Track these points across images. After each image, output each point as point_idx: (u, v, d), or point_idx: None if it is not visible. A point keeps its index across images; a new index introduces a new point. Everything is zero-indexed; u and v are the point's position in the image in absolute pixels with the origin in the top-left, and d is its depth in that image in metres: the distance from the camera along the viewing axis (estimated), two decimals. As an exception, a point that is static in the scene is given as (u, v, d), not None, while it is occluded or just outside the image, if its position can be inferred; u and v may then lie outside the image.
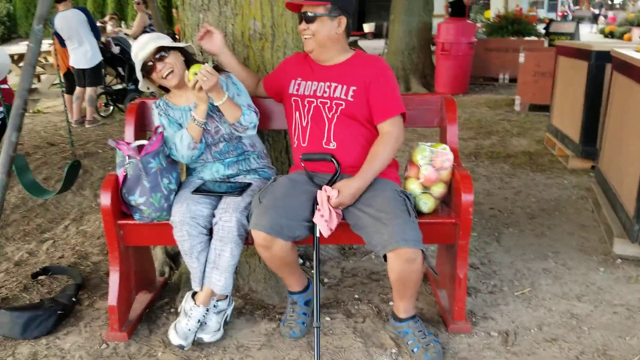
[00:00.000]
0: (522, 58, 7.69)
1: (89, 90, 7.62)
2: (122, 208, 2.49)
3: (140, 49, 2.43)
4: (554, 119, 5.72)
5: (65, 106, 3.40)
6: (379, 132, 2.40)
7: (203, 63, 2.34)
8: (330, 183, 2.34)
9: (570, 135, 5.10)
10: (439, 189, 2.47)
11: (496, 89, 9.86)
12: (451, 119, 2.65)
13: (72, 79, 7.77)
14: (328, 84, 2.45)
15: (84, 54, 7.36)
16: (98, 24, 9.65)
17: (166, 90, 2.61)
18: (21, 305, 2.83)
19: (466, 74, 9.50)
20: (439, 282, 2.84)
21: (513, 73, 9.79)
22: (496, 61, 10.37)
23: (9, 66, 4.69)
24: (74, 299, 2.84)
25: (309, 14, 2.37)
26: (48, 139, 6.85)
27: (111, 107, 8.50)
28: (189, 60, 2.55)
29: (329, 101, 2.43)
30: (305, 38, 2.44)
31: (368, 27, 24.29)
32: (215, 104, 2.38)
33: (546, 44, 10.31)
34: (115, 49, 8.32)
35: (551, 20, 13.84)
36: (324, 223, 2.25)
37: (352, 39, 15.03)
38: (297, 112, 2.52)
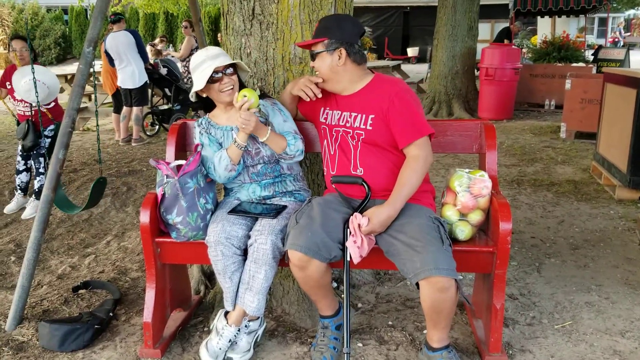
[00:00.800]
0: (568, 84, 7.55)
1: (135, 109, 7.86)
2: (161, 226, 2.54)
3: (212, 58, 2.46)
4: (600, 148, 5.57)
5: (96, 125, 3.49)
6: (406, 156, 2.38)
7: (263, 94, 2.47)
8: (361, 209, 2.33)
9: (618, 164, 4.95)
10: (476, 217, 2.43)
11: (541, 116, 9.68)
12: (490, 145, 2.61)
13: (120, 99, 8.04)
14: (349, 113, 2.48)
15: (130, 74, 7.62)
16: (148, 46, 10.00)
17: (207, 110, 2.67)
18: (60, 318, 2.90)
19: (510, 100, 9.38)
20: (475, 311, 2.78)
21: (559, 100, 9.60)
22: (542, 87, 10.20)
23: (58, 88, 4.88)
24: (111, 314, 2.90)
25: (312, 52, 2.45)
26: (95, 156, 7.06)
27: (157, 127, 8.73)
28: (241, 83, 2.62)
29: (350, 130, 2.46)
30: (317, 74, 2.49)
31: (412, 52, 24.31)
32: (260, 140, 2.45)
33: (594, 71, 10.08)
34: (163, 71, 8.57)
35: (600, 47, 13.55)
36: (356, 249, 2.24)
37: (394, 63, 15.11)
38: (326, 140, 2.57)
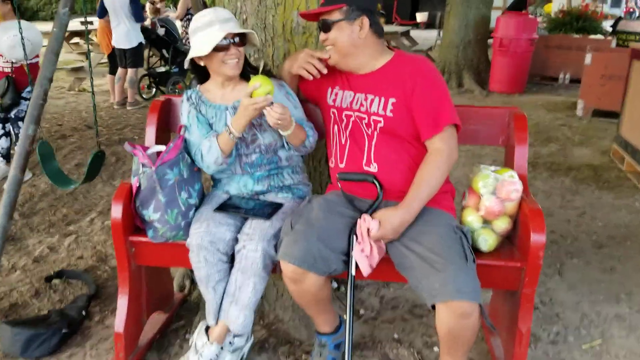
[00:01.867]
0: (588, 59, 7.10)
1: (129, 71, 7.45)
2: (136, 222, 2.20)
3: (223, 21, 2.07)
4: (623, 130, 5.18)
5: (92, 91, 3.16)
6: (428, 150, 2.03)
7: (268, 73, 2.10)
8: (371, 211, 1.99)
9: (644, 150, 4.58)
10: (502, 224, 2.09)
11: (555, 90, 9.24)
12: (520, 138, 2.25)
13: (116, 60, 7.62)
14: (364, 95, 2.10)
15: (125, 33, 7.19)
16: (148, 4, 9.49)
17: (200, 81, 2.29)
18: (26, 319, 2.58)
19: (524, 73, 8.92)
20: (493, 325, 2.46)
21: (575, 73, 9.15)
22: (557, 59, 9.71)
23: (41, 44, 4.48)
24: (84, 312, 2.59)
25: (325, 21, 2.04)
26: (87, 121, 6.69)
27: (154, 90, 8.35)
28: (245, 58, 2.23)
29: (366, 116, 2.08)
30: (327, 49, 2.09)
31: (421, 17, 23.56)
32: (284, 134, 2.09)
33: (614, 44, 9.58)
34: (161, 31, 8.11)
35: (619, 18, 12.96)
36: (365, 259, 1.91)
37: (404, 28, 14.53)
38: (335, 126, 2.19)
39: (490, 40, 9.43)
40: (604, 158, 5.34)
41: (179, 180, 2.12)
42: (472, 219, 2.10)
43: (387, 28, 13.38)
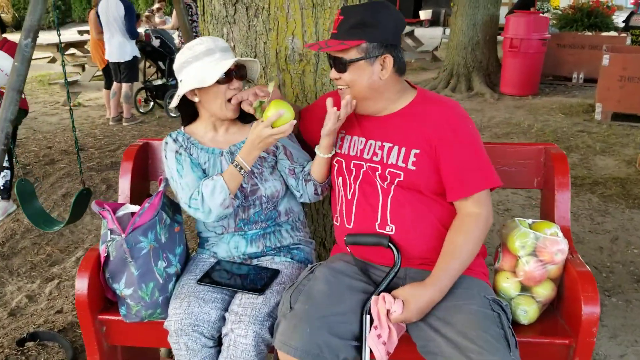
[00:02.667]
0: (605, 60, 6.71)
1: (124, 86, 7.13)
2: (107, 294, 1.86)
3: (224, 50, 1.80)
4: (650, 138, 4.82)
5: (69, 106, 2.88)
6: (458, 213, 1.69)
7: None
8: (387, 283, 1.64)
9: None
10: (545, 291, 1.74)
11: (569, 90, 8.84)
12: (561, 183, 1.89)
13: (111, 74, 7.30)
14: (380, 143, 1.75)
15: (117, 46, 6.87)
16: (146, 13, 9.15)
17: (184, 121, 1.96)
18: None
19: (536, 74, 8.53)
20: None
21: (588, 72, 8.77)
22: (570, 59, 9.30)
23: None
24: (57, 387, 2.26)
25: (339, 60, 1.68)
26: (80, 142, 6.36)
27: (151, 103, 8.04)
28: None
29: (380, 167, 1.73)
30: (340, 89, 1.74)
31: (424, 14, 23.10)
32: (323, 155, 1.80)
33: (628, 41, 9.18)
34: (156, 42, 7.77)
35: (632, 13, 12.51)
36: (382, 347, 1.56)
37: (408, 28, 14.12)
38: (340, 178, 1.84)
39: (500, 38, 9.04)
40: (629, 169, 4.96)
41: (155, 248, 1.78)
42: (508, 285, 1.75)
43: (391, 29, 12.97)
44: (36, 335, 2.66)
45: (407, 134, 1.71)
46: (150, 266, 1.76)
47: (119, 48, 6.88)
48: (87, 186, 3.03)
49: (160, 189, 1.84)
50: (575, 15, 10.72)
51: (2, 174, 4.18)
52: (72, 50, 11.79)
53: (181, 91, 1.80)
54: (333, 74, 1.73)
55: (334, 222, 1.89)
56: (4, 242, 3.83)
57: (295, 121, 1.70)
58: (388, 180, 1.71)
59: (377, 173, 1.73)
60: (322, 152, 1.80)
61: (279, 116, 1.65)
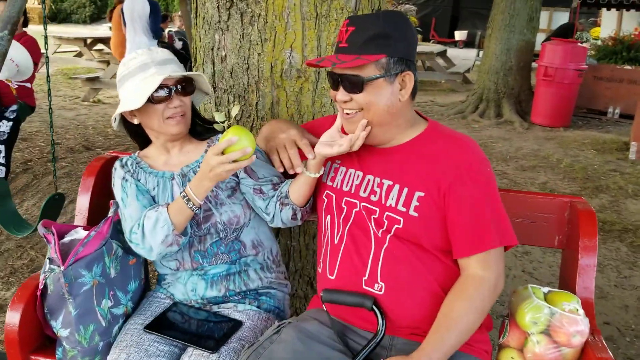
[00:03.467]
0: (645, 96, 6.33)
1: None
2: (46, 331, 1.61)
3: (160, 63, 1.55)
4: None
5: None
6: (462, 272, 1.41)
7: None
8: (369, 355, 1.36)
9: None
10: (556, 380, 1.43)
11: (603, 125, 8.43)
12: (588, 247, 1.59)
13: None
14: (378, 180, 1.47)
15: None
16: (179, 13, 9.02)
17: (141, 145, 1.73)
18: None
19: (570, 105, 8.16)
20: None
21: (625, 108, 8.37)
22: (606, 92, 8.89)
23: (31, 70, 3.93)
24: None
25: (354, 79, 1.39)
26: (89, 140, 6.20)
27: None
28: (194, 110, 1.68)
29: (377, 210, 1.45)
30: (347, 114, 1.46)
31: (460, 35, 22.74)
32: (309, 174, 1.52)
33: (672, 77, 8.75)
34: (178, 44, 7.65)
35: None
36: None
37: (440, 48, 13.79)
38: (329, 217, 1.56)
39: (534, 65, 8.70)
40: (664, 217, 4.58)
41: (101, 284, 1.52)
42: (512, 367, 1.45)
43: (423, 47, 12.72)
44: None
45: (411, 172, 1.44)
46: (91, 305, 1.50)
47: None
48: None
49: (110, 214, 1.59)
50: (615, 47, 10.31)
51: None
52: (100, 46, 11.77)
53: (116, 113, 1.57)
54: (342, 95, 1.43)
55: (317, 268, 1.62)
56: (-13, 242, 3.63)
57: (254, 157, 1.43)
58: (384, 228, 1.43)
59: (372, 217, 1.45)
60: (312, 170, 1.52)
61: (229, 144, 1.38)
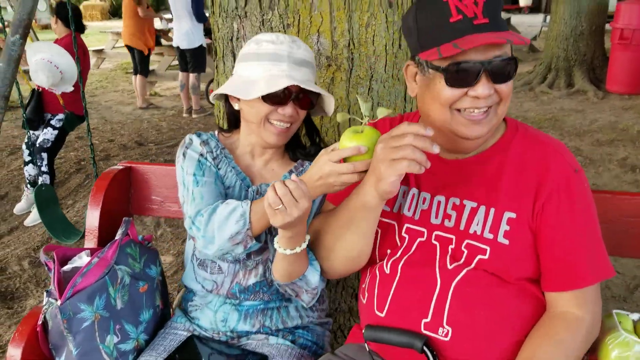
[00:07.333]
0: None
1: (191, 76, 6.90)
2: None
3: (296, 63, 1.31)
4: None
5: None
6: (549, 308, 1.14)
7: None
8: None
9: None
10: None
11: (689, 90, 7.67)
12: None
13: (143, 59, 7.47)
14: (455, 201, 1.19)
15: (185, 33, 6.65)
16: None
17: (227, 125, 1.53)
18: None
19: (650, 70, 7.48)
20: None
21: None
22: (691, 53, 8.11)
23: (75, 76, 3.80)
24: None
25: (509, 61, 1.10)
26: (143, 134, 6.17)
27: (224, 94, 7.77)
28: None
29: (454, 238, 1.17)
30: (484, 111, 1.12)
31: (524, 1, 21.63)
32: (281, 250, 1.22)
33: None
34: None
35: None
36: None
37: (504, 15, 13.07)
38: (383, 246, 1.28)
39: (608, 28, 8.02)
40: None
41: (104, 319, 1.34)
42: (596, 418, 1.17)
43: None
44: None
45: (497, 188, 1.15)
46: (94, 344, 1.32)
47: (186, 34, 6.64)
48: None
49: (118, 236, 1.40)
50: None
51: (41, 179, 3.97)
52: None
53: (222, 89, 1.37)
54: (485, 88, 1.08)
55: (360, 297, 1.34)
56: (37, 247, 3.60)
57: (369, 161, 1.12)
58: (461, 260, 1.15)
59: (449, 247, 1.17)
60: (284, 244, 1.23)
61: (358, 152, 1.10)
